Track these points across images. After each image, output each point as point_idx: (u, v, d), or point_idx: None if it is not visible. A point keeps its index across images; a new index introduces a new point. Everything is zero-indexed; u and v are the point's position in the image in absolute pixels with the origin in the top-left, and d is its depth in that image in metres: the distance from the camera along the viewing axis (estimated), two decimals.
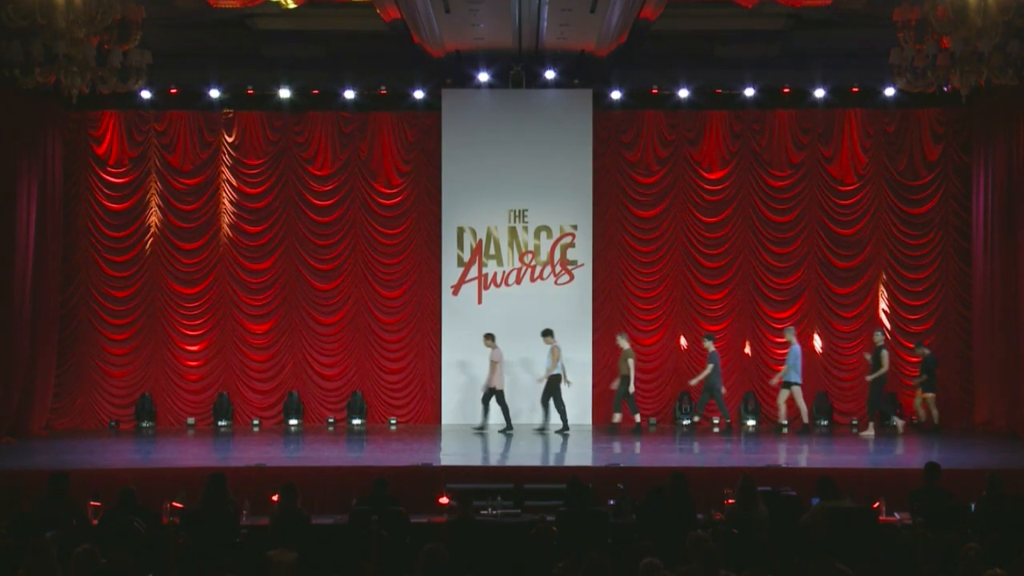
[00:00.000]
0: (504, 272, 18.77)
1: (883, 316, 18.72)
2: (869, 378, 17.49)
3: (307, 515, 10.19)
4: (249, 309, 18.97)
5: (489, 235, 18.79)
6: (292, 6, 15.43)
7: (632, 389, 17.64)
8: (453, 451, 16.47)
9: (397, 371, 18.83)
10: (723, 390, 17.85)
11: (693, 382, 18.08)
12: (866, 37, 16.48)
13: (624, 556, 8.51)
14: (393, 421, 18.59)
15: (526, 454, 16.09)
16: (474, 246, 18.77)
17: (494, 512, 11.44)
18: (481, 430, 17.50)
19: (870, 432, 17.42)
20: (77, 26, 11.60)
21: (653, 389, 18.74)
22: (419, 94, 18.48)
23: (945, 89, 13.33)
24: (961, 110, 17.90)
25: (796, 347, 17.67)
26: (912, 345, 18.25)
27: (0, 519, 10.02)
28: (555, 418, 17.38)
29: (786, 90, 18.68)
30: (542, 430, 17.45)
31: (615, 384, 17.87)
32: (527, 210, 18.79)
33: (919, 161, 18.78)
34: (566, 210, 18.76)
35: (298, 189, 18.98)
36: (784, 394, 17.68)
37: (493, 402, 17.47)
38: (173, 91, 18.42)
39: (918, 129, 18.77)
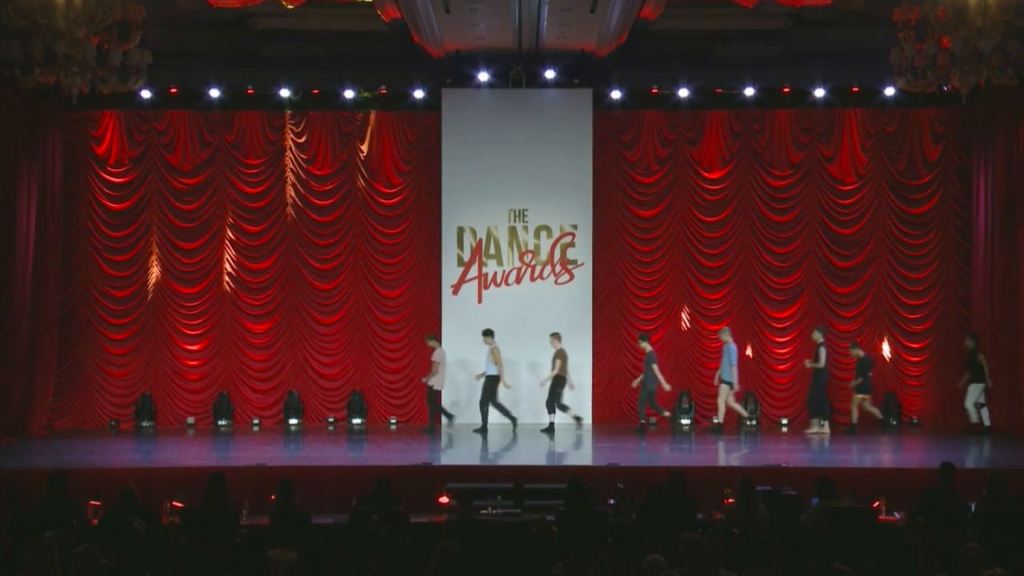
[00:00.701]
0: (504, 272, 18.77)
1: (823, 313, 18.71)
2: (814, 364, 17.49)
3: (306, 514, 10.19)
4: (249, 309, 18.97)
5: (489, 235, 18.80)
6: (290, 7, 15.42)
7: (665, 387, 17.61)
8: (453, 451, 16.47)
9: (397, 371, 18.82)
10: (665, 387, 17.61)
11: (635, 384, 18.01)
12: (866, 37, 16.48)
13: (624, 556, 8.50)
14: (393, 421, 18.60)
15: (526, 454, 16.10)
16: (474, 246, 18.77)
17: (494, 512, 11.43)
18: (437, 426, 17.66)
19: (814, 430, 17.51)
20: (77, 26, 11.61)
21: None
22: (419, 94, 18.48)
23: (945, 89, 13.34)
24: (961, 110, 17.90)
25: (732, 347, 17.59)
26: (847, 344, 18.19)
27: (0, 519, 10.02)
28: (508, 418, 17.52)
29: (786, 90, 18.68)
30: (482, 431, 17.45)
31: (635, 383, 17.92)
32: (527, 210, 18.79)
33: (919, 161, 18.78)
34: (566, 210, 18.76)
35: (298, 189, 18.98)
36: (724, 392, 17.61)
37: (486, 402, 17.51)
38: (173, 91, 18.43)
39: (918, 129, 18.76)
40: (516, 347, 18.05)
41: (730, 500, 10.87)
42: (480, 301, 18.74)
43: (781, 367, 18.77)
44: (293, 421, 18.39)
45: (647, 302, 19.06)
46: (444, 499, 12.05)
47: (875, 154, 18.82)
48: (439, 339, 17.84)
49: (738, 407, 17.90)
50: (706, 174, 19.02)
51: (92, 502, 10.89)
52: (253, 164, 18.95)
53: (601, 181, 18.91)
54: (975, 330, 18.17)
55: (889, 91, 17.99)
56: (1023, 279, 16.87)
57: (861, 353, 17.74)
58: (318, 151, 19.00)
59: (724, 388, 17.59)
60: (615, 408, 18.85)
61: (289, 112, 18.73)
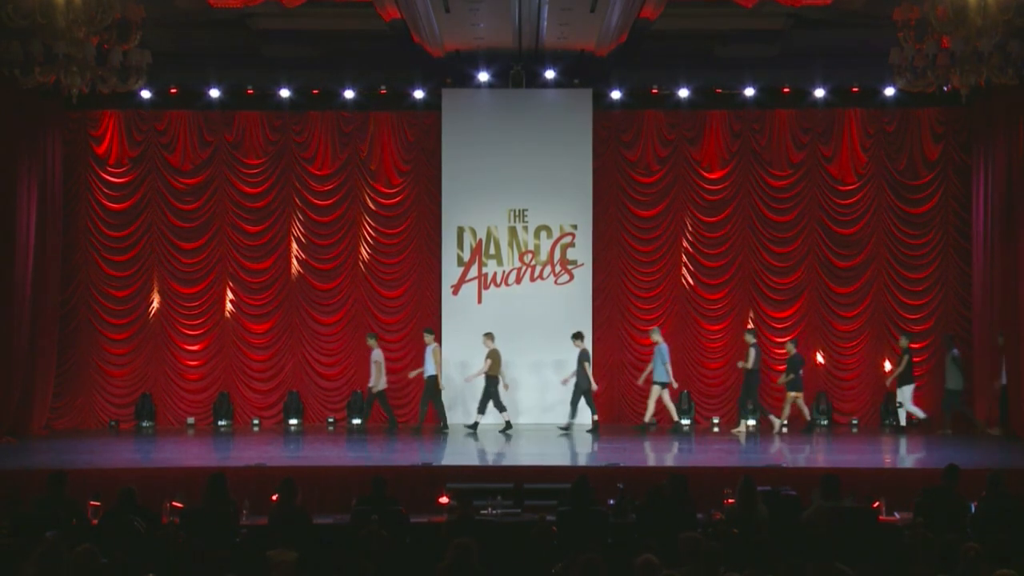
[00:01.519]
0: (504, 272, 18.77)
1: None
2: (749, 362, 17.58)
3: (307, 513, 10.19)
4: (249, 309, 18.97)
5: (489, 235, 18.79)
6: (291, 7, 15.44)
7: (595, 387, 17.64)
8: (453, 451, 16.47)
9: (397, 371, 18.79)
10: (593, 388, 17.58)
11: (563, 381, 17.96)
12: (866, 37, 16.48)
13: (624, 556, 8.50)
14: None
15: (526, 454, 16.11)
16: (474, 246, 18.77)
17: (494, 512, 11.43)
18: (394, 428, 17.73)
19: (741, 429, 17.65)
20: (77, 26, 11.60)
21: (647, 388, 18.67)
22: (419, 94, 18.48)
23: (945, 89, 13.34)
24: (961, 110, 17.89)
25: (663, 346, 17.59)
26: (783, 343, 18.19)
27: (0, 519, 10.02)
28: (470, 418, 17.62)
29: (786, 90, 18.68)
30: (442, 429, 17.55)
31: (646, 376, 17.89)
32: (527, 210, 18.79)
33: (919, 161, 18.78)
34: (566, 210, 18.76)
35: (298, 189, 18.98)
36: (656, 391, 17.58)
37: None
38: (173, 91, 18.42)
39: (918, 129, 18.76)
40: (516, 347, 18.04)
41: (730, 500, 10.87)
42: (480, 301, 18.74)
43: (782, 367, 18.72)
44: (293, 421, 18.39)
45: (647, 302, 19.05)
46: (444, 499, 12.05)
47: (875, 154, 18.82)
48: (493, 337, 17.68)
49: (672, 406, 17.79)
50: (706, 174, 19.01)
51: (92, 502, 10.90)
52: (253, 164, 18.95)
53: (601, 181, 18.91)
54: (975, 330, 18.19)
55: (889, 91, 17.98)
56: (1023, 279, 16.86)
57: (794, 350, 17.77)
58: (318, 151, 19.00)
59: (656, 388, 17.53)
60: (615, 408, 18.84)
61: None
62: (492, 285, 18.76)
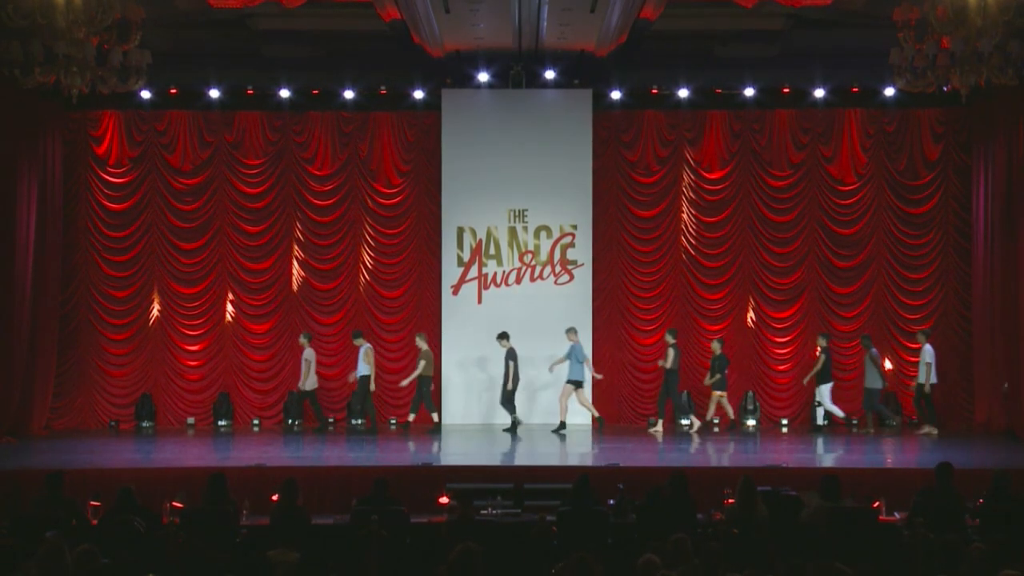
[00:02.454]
0: (504, 272, 18.77)
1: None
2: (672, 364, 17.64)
3: (307, 514, 10.19)
4: (249, 309, 18.97)
5: (489, 235, 18.79)
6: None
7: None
8: (453, 451, 16.47)
9: (397, 371, 18.79)
10: (511, 388, 17.60)
11: (509, 383, 17.87)
12: (866, 37, 16.48)
13: (624, 556, 8.50)
14: (393, 421, 18.58)
15: (526, 454, 16.12)
16: (474, 246, 18.77)
17: (494, 512, 11.43)
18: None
19: (659, 428, 17.68)
20: (77, 26, 11.60)
21: (653, 389, 18.68)
22: (419, 94, 18.48)
23: (945, 89, 13.34)
24: (961, 110, 17.89)
25: (579, 346, 17.55)
26: (710, 343, 18.20)
27: (0, 519, 10.02)
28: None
29: (786, 90, 18.68)
30: (370, 430, 17.61)
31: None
32: (527, 210, 18.79)
33: (919, 161, 18.78)
34: (566, 210, 18.76)
35: (298, 189, 18.98)
36: (567, 390, 17.53)
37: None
38: (173, 91, 18.42)
39: (918, 129, 18.76)
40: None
41: (730, 500, 10.88)
42: (480, 301, 18.74)
43: (781, 367, 18.76)
44: (293, 421, 18.37)
45: (647, 302, 19.06)
46: (444, 499, 12.05)
47: (875, 154, 18.82)
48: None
49: (590, 407, 17.74)
50: (706, 174, 19.01)
51: (92, 502, 10.90)
52: (253, 164, 18.95)
53: (601, 181, 18.91)
54: (975, 330, 18.20)
55: (889, 91, 17.98)
56: (1023, 279, 16.87)
57: (719, 350, 17.79)
58: (318, 151, 19.01)
59: (568, 387, 17.49)
60: (615, 408, 18.83)
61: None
62: (492, 285, 18.76)
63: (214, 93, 18.26)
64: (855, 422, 17.88)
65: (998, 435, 17.16)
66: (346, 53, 18.31)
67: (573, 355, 17.44)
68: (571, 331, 17.59)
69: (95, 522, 10.14)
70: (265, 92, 18.52)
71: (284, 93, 18.35)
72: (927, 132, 18.74)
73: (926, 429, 17.38)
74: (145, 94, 17.93)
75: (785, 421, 18.36)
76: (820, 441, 17.20)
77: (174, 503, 10.82)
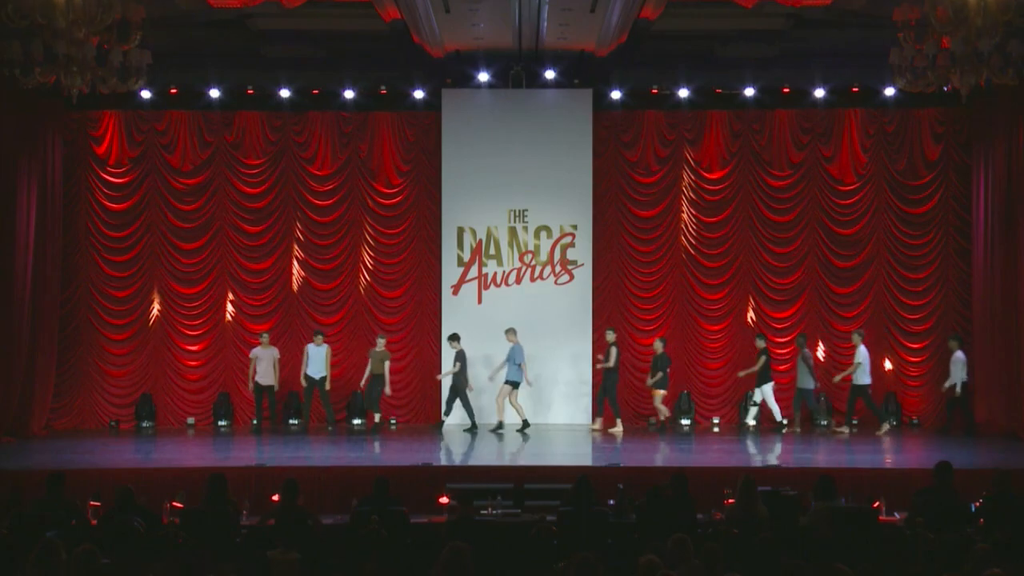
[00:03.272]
0: (504, 272, 18.77)
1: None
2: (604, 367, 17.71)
3: (308, 513, 10.19)
4: (249, 309, 18.97)
5: (489, 235, 18.79)
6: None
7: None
8: (453, 451, 16.47)
9: (397, 371, 18.78)
10: (471, 387, 17.74)
11: (440, 376, 18.12)
12: (866, 37, 16.48)
13: (624, 556, 8.51)
14: (393, 421, 18.58)
15: (526, 454, 16.12)
16: (474, 246, 18.77)
17: (494, 512, 11.43)
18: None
19: (596, 426, 17.76)
20: (77, 26, 11.59)
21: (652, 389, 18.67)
22: (419, 94, 18.48)
23: (945, 89, 13.32)
24: (961, 110, 17.87)
25: (518, 346, 17.58)
26: (651, 342, 18.17)
27: (0, 519, 10.02)
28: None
29: (786, 90, 18.68)
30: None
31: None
32: (527, 210, 18.79)
33: (919, 161, 18.78)
34: (566, 210, 18.76)
35: (298, 189, 18.98)
36: (504, 391, 17.57)
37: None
38: (173, 91, 18.42)
39: (918, 129, 18.76)
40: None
41: (730, 500, 10.88)
42: (480, 301, 18.74)
43: (781, 367, 18.74)
44: (293, 421, 18.37)
45: (647, 302, 19.06)
46: (444, 499, 12.06)
47: (875, 154, 18.82)
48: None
49: (519, 407, 17.69)
50: (706, 174, 19.01)
51: (92, 502, 10.90)
52: (253, 164, 18.95)
53: (601, 181, 18.90)
54: (975, 330, 18.18)
55: (889, 91, 17.98)
56: (1023, 279, 16.86)
57: (661, 349, 17.78)
58: (318, 151, 19.00)
59: (505, 387, 17.54)
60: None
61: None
62: (492, 285, 18.76)
63: (214, 93, 18.26)
64: (785, 422, 17.90)
65: (998, 435, 17.14)
66: (346, 53, 18.30)
67: (511, 357, 17.48)
68: (510, 332, 17.66)
69: (95, 522, 10.14)
70: (265, 92, 18.52)
71: (284, 93, 18.34)
72: (927, 132, 18.74)
73: (841, 428, 17.67)
74: (145, 94, 17.93)
75: (785, 421, 18.32)
76: (821, 442, 17.18)
77: (174, 503, 10.82)
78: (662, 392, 17.70)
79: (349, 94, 18.33)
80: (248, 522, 10.69)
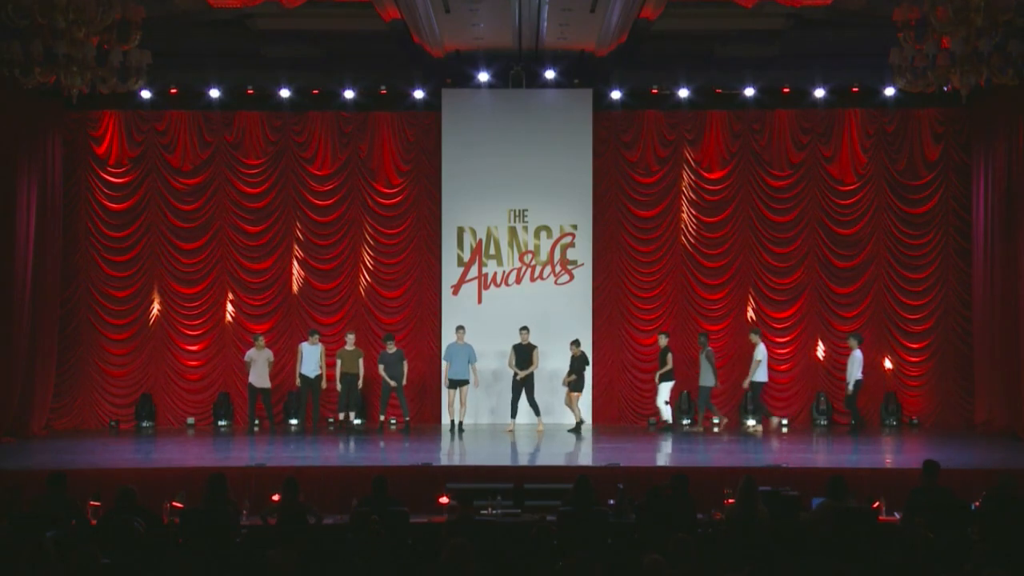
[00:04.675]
0: (504, 272, 18.77)
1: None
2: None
3: (310, 508, 10.19)
4: (249, 309, 18.97)
5: (489, 235, 18.80)
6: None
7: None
8: (453, 451, 16.47)
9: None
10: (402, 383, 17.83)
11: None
12: (866, 37, 16.47)
13: (624, 556, 8.51)
14: (393, 421, 18.57)
15: (526, 454, 16.12)
16: (474, 246, 18.77)
17: (494, 512, 11.43)
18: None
19: (512, 429, 17.69)
20: (77, 26, 11.60)
21: (652, 389, 18.64)
22: (419, 94, 18.48)
23: (945, 89, 13.32)
24: (961, 110, 17.89)
25: (456, 344, 17.72)
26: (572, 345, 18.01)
27: (0, 519, 10.02)
28: None
29: (786, 90, 18.68)
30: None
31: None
32: (527, 210, 18.79)
33: (919, 161, 18.78)
34: (566, 210, 18.76)
35: (298, 189, 18.99)
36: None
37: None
38: (173, 91, 18.42)
39: (918, 129, 18.76)
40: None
41: (730, 500, 10.88)
42: (480, 301, 18.74)
43: (781, 367, 18.75)
44: (293, 421, 18.38)
45: (647, 302, 19.06)
46: (444, 499, 12.05)
47: (875, 154, 18.82)
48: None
49: (456, 409, 17.72)
50: (706, 174, 19.01)
51: (92, 502, 10.90)
52: (253, 164, 18.95)
53: (601, 181, 18.91)
54: (975, 330, 18.19)
55: (889, 91, 17.97)
56: (1023, 279, 16.86)
57: (579, 352, 17.73)
58: (318, 151, 19.01)
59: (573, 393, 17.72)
60: (615, 408, 18.85)
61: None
62: (492, 285, 18.77)
63: (214, 93, 18.26)
64: (686, 422, 18.12)
65: (998, 435, 17.15)
66: (346, 53, 18.30)
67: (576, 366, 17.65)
68: (459, 330, 17.72)
69: (95, 522, 10.13)
70: (265, 92, 18.52)
71: (284, 93, 18.35)
72: (927, 132, 18.74)
73: (752, 426, 17.80)
74: (145, 94, 17.93)
75: (785, 421, 18.34)
76: (826, 441, 17.19)
77: (174, 503, 10.81)
78: (576, 394, 17.61)
79: (349, 94, 18.33)
80: (248, 522, 10.69)
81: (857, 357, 17.54)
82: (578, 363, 17.66)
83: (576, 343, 17.76)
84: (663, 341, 17.96)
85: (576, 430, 17.50)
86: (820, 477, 11.82)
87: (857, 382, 17.49)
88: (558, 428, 17.71)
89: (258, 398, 17.83)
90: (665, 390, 17.82)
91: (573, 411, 17.65)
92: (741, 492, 9.92)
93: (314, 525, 10.07)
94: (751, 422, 17.81)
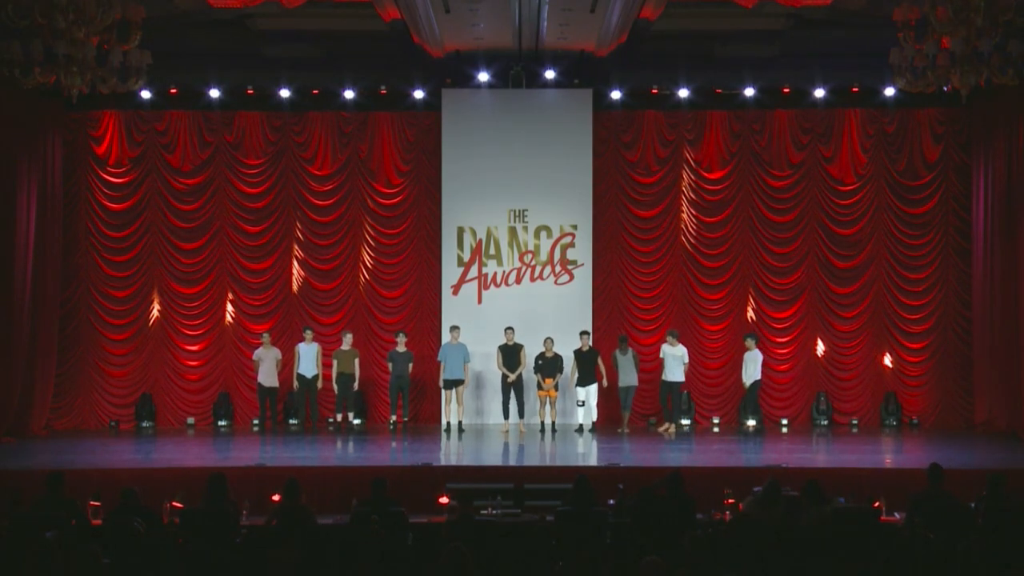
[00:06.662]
0: (504, 272, 18.77)
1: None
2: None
3: (310, 512, 10.19)
4: (249, 309, 18.97)
5: (489, 235, 18.80)
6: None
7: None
8: (453, 451, 16.48)
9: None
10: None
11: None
12: (866, 37, 16.47)
13: (624, 556, 8.50)
14: (393, 420, 18.57)
15: (526, 454, 16.12)
16: (474, 246, 18.77)
17: (494, 512, 11.43)
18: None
19: (505, 428, 17.72)
20: (77, 26, 11.60)
21: (652, 389, 18.66)
22: (419, 94, 18.48)
23: (945, 89, 13.33)
24: (961, 110, 17.89)
25: (450, 344, 17.72)
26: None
27: (0, 519, 10.02)
28: None
29: (786, 90, 18.67)
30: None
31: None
32: (527, 210, 18.79)
33: (919, 161, 18.77)
34: (566, 210, 18.76)
35: (298, 189, 18.99)
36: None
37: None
38: (173, 91, 18.42)
39: (918, 129, 18.75)
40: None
41: (730, 500, 10.87)
42: (480, 301, 18.75)
43: (781, 367, 18.75)
44: (293, 421, 18.38)
45: (647, 302, 19.06)
46: (444, 499, 12.05)
47: (875, 154, 18.82)
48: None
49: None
50: (706, 174, 19.01)
51: (92, 502, 10.90)
52: (253, 164, 18.95)
53: (601, 181, 18.91)
54: (975, 330, 18.19)
55: (889, 91, 17.97)
56: (1023, 279, 16.87)
57: (550, 354, 17.74)
58: (318, 151, 19.01)
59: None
60: (615, 408, 18.82)
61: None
62: (492, 285, 18.77)
63: (214, 93, 18.26)
64: (686, 422, 18.19)
65: (998, 435, 17.15)
66: (346, 53, 18.30)
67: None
68: (454, 330, 17.76)
69: (95, 522, 10.13)
70: (265, 92, 18.52)
71: (284, 93, 18.35)
72: (927, 132, 18.74)
73: (664, 426, 17.81)
74: (145, 94, 17.94)
75: (785, 421, 18.35)
76: (822, 440, 17.16)
77: (174, 503, 10.81)
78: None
79: (349, 94, 18.33)
80: (248, 522, 10.69)
81: (755, 356, 17.59)
82: (586, 357, 17.70)
83: (551, 341, 17.75)
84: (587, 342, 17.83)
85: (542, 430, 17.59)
86: (820, 477, 11.80)
87: (755, 382, 17.53)
88: (566, 428, 17.71)
89: (267, 398, 17.81)
90: (591, 392, 17.77)
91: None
92: (764, 493, 9.89)
93: (315, 527, 10.06)
94: (751, 422, 17.80)
